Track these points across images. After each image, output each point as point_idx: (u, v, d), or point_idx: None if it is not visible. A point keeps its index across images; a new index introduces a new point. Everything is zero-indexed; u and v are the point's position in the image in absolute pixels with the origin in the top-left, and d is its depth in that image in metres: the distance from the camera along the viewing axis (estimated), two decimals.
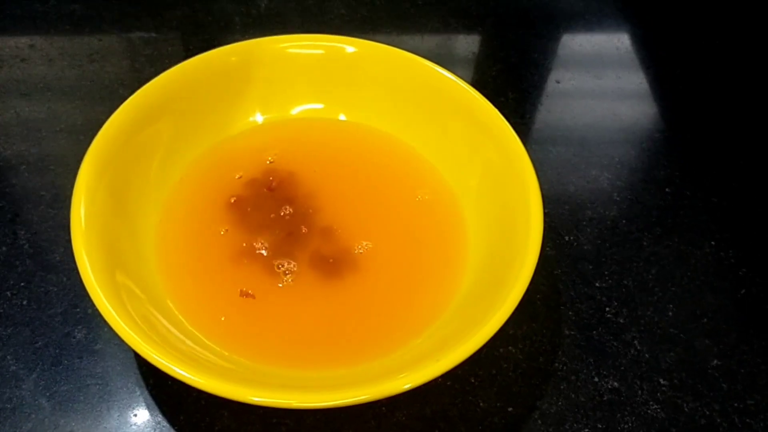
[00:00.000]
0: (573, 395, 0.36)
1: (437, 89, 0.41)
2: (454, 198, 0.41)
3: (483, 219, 0.39)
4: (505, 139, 0.38)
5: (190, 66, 0.41)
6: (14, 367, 0.36)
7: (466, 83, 0.41)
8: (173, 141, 0.40)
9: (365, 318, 0.36)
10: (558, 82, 0.54)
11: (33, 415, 0.34)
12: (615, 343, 0.39)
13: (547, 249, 0.42)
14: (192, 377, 0.28)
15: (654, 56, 0.57)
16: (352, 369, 0.34)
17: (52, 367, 0.36)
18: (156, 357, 0.29)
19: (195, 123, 0.42)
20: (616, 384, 0.37)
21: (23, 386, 0.35)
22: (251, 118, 0.44)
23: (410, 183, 0.42)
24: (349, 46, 0.43)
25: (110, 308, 0.30)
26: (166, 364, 0.29)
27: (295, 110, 0.44)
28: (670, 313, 0.40)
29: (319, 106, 0.44)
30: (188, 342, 0.33)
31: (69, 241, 0.40)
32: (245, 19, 0.57)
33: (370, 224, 0.39)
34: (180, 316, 0.35)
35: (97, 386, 0.35)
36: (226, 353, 0.34)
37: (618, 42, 0.58)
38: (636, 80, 0.55)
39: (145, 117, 0.39)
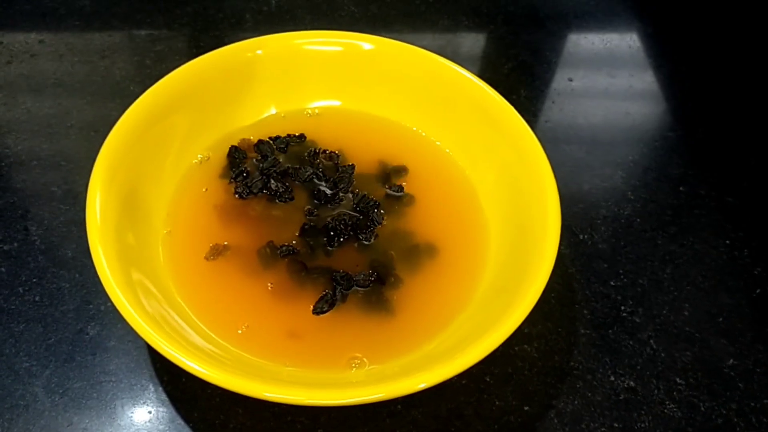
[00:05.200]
0: (589, 394, 0.36)
1: (455, 87, 0.41)
2: (475, 194, 0.41)
3: (501, 218, 0.38)
4: (521, 139, 0.38)
5: (205, 62, 0.40)
6: (27, 364, 0.35)
7: (484, 83, 0.40)
8: (186, 138, 0.40)
9: (382, 317, 0.36)
10: (570, 80, 0.54)
11: (46, 413, 0.34)
12: (631, 342, 0.38)
13: (562, 247, 0.42)
14: (207, 372, 0.28)
15: (667, 55, 0.57)
16: (368, 368, 0.33)
17: (65, 364, 0.35)
18: (172, 352, 0.29)
19: (209, 120, 0.41)
20: (632, 383, 0.37)
21: (36, 383, 0.35)
22: (266, 115, 0.43)
23: (431, 177, 0.42)
24: (366, 43, 0.43)
25: (126, 304, 0.30)
26: (182, 359, 0.29)
27: (311, 106, 0.44)
28: (686, 312, 0.40)
29: (336, 102, 0.44)
30: (202, 339, 0.33)
31: (81, 236, 0.40)
32: (256, 16, 0.57)
33: (388, 219, 0.39)
34: (191, 313, 0.35)
35: (111, 383, 0.35)
36: (239, 350, 0.33)
37: (630, 40, 0.58)
38: (649, 79, 0.55)
39: (160, 113, 0.38)
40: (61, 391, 0.34)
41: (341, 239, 0.38)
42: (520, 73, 0.54)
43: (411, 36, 0.57)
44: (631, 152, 0.49)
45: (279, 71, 0.43)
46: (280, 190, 0.39)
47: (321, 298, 0.35)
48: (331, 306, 0.35)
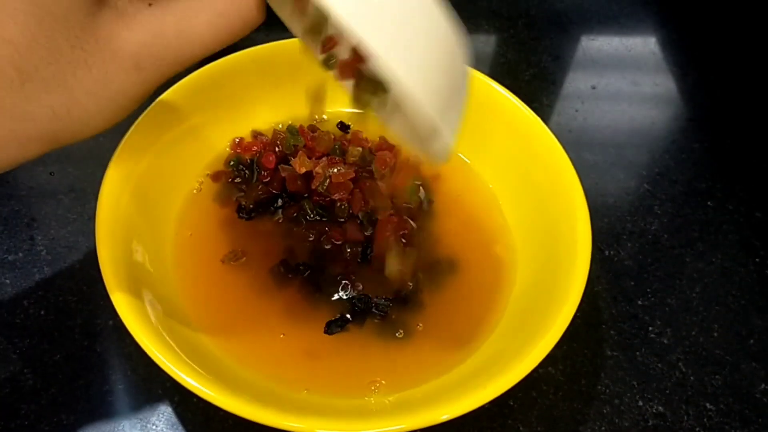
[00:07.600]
0: (617, 420, 0.35)
1: (478, 96, 0.39)
2: (499, 209, 0.39)
3: (527, 234, 0.37)
4: (549, 152, 0.37)
5: (222, 64, 0.39)
6: (32, 382, 0.34)
7: (509, 92, 0.39)
8: (204, 142, 0.39)
9: (403, 339, 0.34)
10: (594, 87, 0.52)
11: None
12: (659, 365, 0.37)
13: None
14: (218, 396, 0.27)
15: (692, 62, 0.55)
16: (388, 394, 0.32)
17: (72, 382, 0.34)
18: (183, 376, 0.28)
19: (219, 126, 0.40)
20: (661, 408, 0.35)
21: (42, 402, 0.33)
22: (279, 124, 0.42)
23: (452, 190, 0.40)
24: None
25: (136, 323, 0.29)
26: (197, 386, 0.27)
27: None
28: (716, 334, 0.39)
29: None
30: (214, 359, 0.32)
31: (89, 247, 0.39)
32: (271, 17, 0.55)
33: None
34: (203, 332, 0.33)
35: (119, 402, 0.34)
36: (255, 372, 0.32)
37: (654, 46, 0.56)
38: (675, 87, 0.53)
39: (175, 119, 0.37)
40: (67, 410, 0.33)
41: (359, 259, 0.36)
42: (541, 80, 0.52)
43: None
44: (656, 164, 0.47)
45: (292, 77, 0.40)
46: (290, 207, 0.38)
47: (334, 321, 0.34)
48: (342, 327, 0.34)
